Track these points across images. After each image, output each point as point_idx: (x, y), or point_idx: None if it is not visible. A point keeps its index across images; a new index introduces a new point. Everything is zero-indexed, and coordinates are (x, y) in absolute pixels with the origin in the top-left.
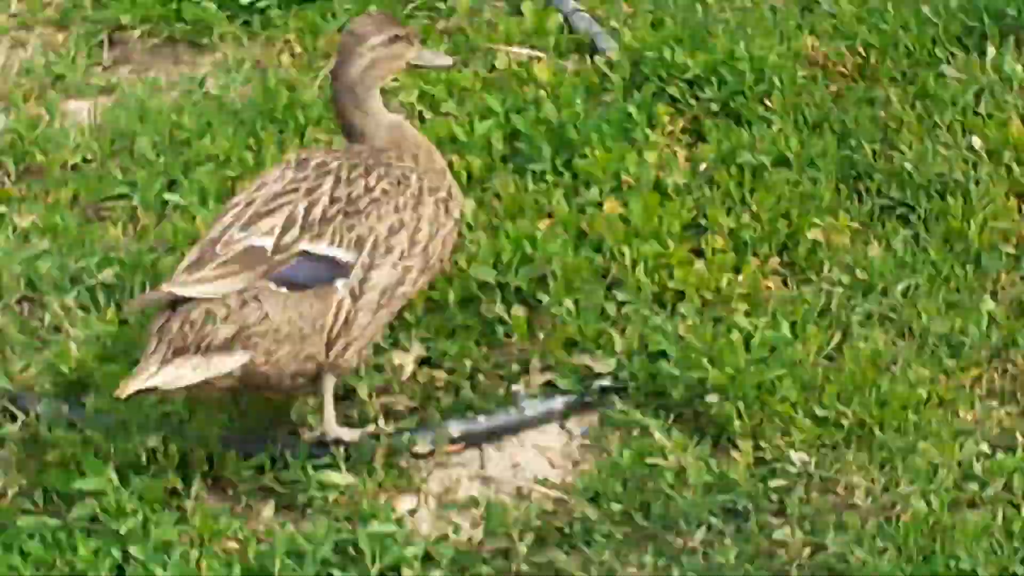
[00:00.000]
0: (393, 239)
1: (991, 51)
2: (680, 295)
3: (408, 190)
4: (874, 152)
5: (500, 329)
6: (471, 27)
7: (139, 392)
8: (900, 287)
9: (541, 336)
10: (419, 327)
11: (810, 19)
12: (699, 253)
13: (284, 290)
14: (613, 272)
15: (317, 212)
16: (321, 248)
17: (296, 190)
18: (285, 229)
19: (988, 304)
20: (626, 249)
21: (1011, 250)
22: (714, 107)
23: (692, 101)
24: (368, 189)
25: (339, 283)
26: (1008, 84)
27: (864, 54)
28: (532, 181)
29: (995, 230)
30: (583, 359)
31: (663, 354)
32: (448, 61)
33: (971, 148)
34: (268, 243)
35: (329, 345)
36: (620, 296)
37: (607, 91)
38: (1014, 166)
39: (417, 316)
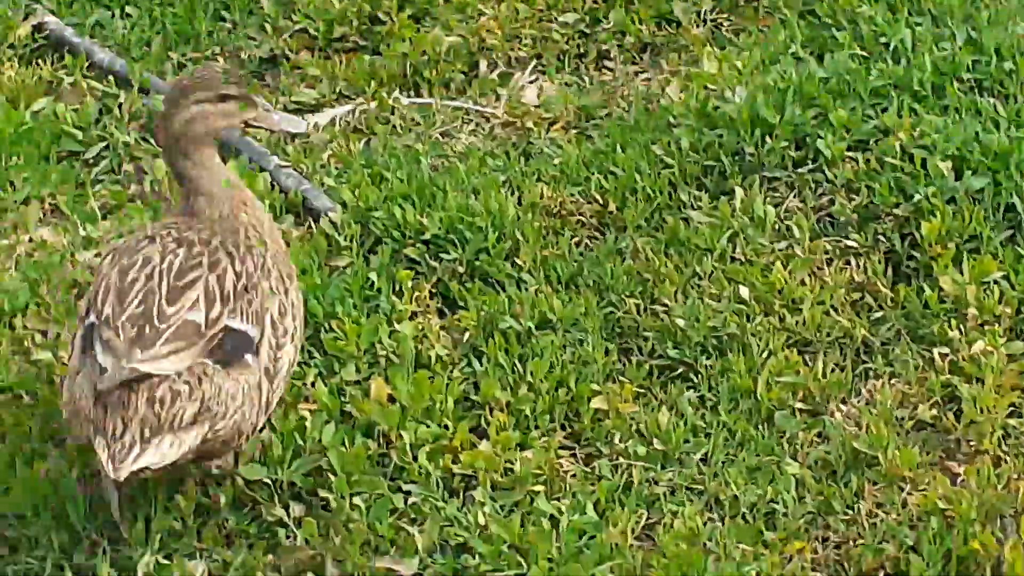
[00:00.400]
0: (285, 321)
1: (739, 192)
2: (469, 479)
3: (272, 274)
4: (638, 308)
5: (282, 532)
6: (174, 193)
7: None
8: (698, 455)
9: (334, 538)
10: (189, 535)
11: (534, 165)
12: (480, 431)
13: (218, 367)
14: (393, 460)
15: (228, 287)
16: (237, 323)
17: (200, 264)
18: (209, 303)
19: (793, 467)
20: (403, 433)
21: (802, 405)
22: (459, 268)
23: (434, 263)
24: (256, 266)
25: (249, 358)
26: (761, 227)
27: (602, 200)
28: None
29: (783, 386)
30: (383, 562)
31: (467, 548)
32: (301, 127)
33: (739, 298)
34: (199, 317)
35: (259, 416)
36: (406, 487)
37: (340, 255)
38: (786, 315)
39: (186, 525)
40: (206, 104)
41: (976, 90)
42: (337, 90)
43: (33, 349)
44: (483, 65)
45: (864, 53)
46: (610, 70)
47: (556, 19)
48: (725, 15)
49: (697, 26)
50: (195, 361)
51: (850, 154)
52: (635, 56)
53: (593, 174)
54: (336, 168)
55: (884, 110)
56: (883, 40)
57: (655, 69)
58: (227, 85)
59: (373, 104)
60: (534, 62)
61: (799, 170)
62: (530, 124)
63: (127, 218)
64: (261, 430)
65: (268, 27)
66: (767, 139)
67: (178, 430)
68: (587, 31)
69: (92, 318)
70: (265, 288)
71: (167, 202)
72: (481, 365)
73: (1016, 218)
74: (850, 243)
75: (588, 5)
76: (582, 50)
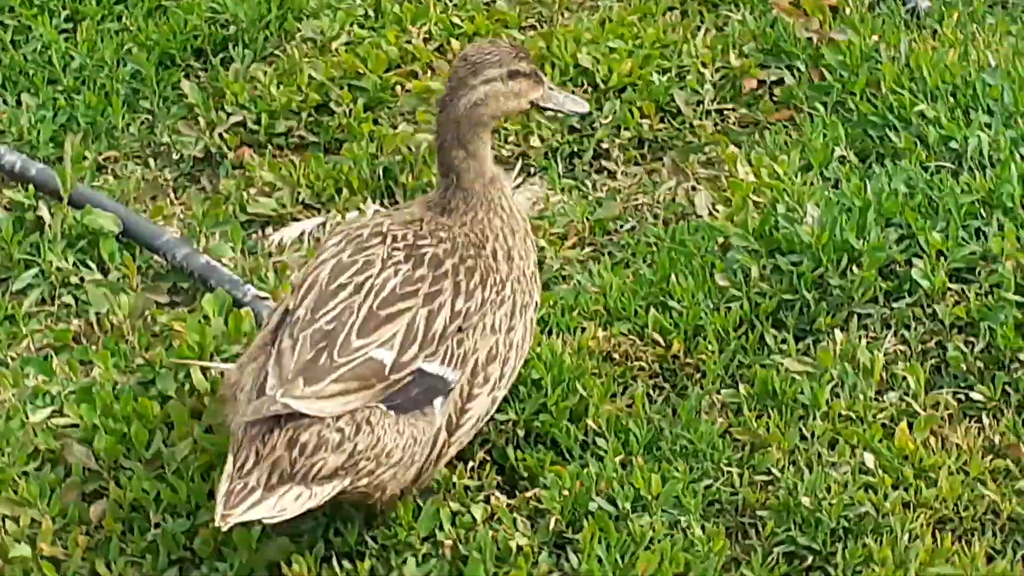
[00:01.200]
0: (490, 367)
1: (837, 335)
2: None
3: (503, 307)
4: (740, 478)
5: None
6: (137, 334)
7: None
8: None
9: None
10: None
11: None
12: None
13: (391, 413)
14: None
15: (437, 327)
16: (434, 367)
17: (415, 292)
18: (405, 343)
19: None
20: None
21: None
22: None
23: None
24: (483, 302)
25: (437, 404)
26: (867, 376)
27: (664, 342)
28: None
29: None
30: None
31: None
32: (584, 107)
33: (864, 467)
34: (388, 358)
35: (423, 470)
36: None
37: None
38: (921, 487)
39: None
40: (497, 82)
41: None
42: (299, 199)
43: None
44: None
45: (928, 160)
46: (610, 172)
47: (542, 112)
48: (730, 106)
49: (700, 118)
50: (365, 404)
51: (953, 286)
52: (637, 155)
53: (648, 309)
54: None
55: (978, 231)
56: (951, 145)
57: (669, 170)
58: (518, 60)
59: (347, 215)
60: (519, 162)
61: (895, 305)
62: (541, 242)
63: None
64: (423, 486)
65: (200, 120)
66: (853, 268)
67: (311, 482)
68: (577, 125)
69: (291, 307)
70: (486, 326)
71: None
72: (574, 558)
73: None
74: (975, 396)
75: (576, 94)
76: (575, 148)
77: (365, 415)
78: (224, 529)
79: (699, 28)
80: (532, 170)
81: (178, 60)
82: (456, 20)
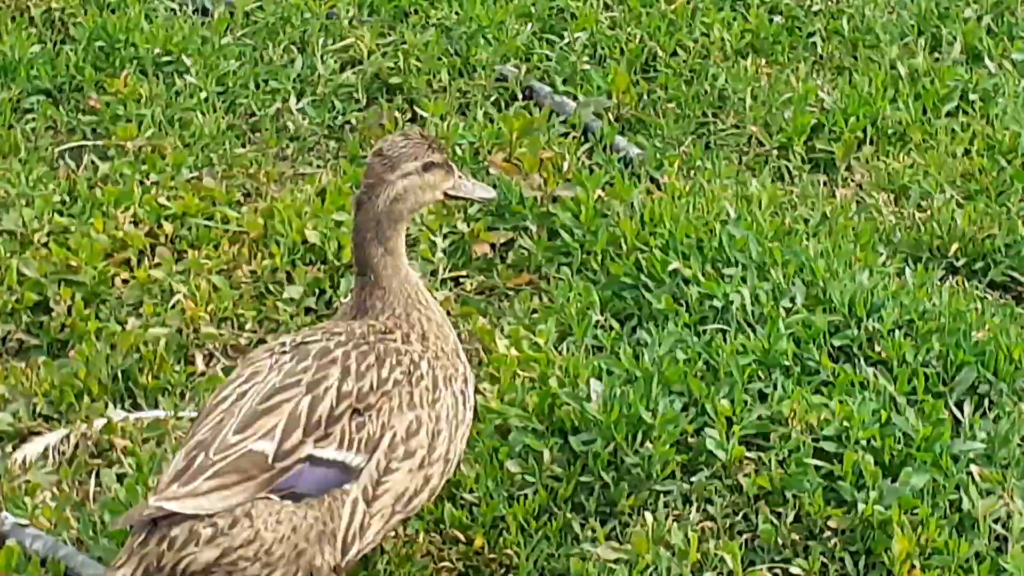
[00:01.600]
0: (411, 442)
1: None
2: None
3: (420, 383)
4: None
5: None
6: None
7: None
8: None
9: None
10: None
11: None
12: None
13: (287, 502)
14: None
15: (323, 409)
16: (329, 452)
17: (298, 383)
18: (287, 431)
19: None
20: None
21: None
22: None
23: None
24: (381, 381)
25: (349, 486)
26: (682, 558)
27: (465, 538)
28: None
29: None
30: None
31: None
32: (492, 194)
33: None
34: (269, 448)
35: (343, 553)
36: None
37: None
38: None
39: None
40: (414, 176)
41: (848, 358)
42: (36, 410)
43: None
44: (199, 360)
45: (691, 321)
46: None
47: (279, 294)
48: (463, 272)
49: (437, 287)
50: (250, 497)
51: (749, 454)
52: None
53: (440, 503)
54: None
55: (761, 394)
56: (714, 303)
57: None
58: (432, 151)
59: (95, 425)
60: None
61: (694, 478)
62: None
63: None
64: (350, 565)
65: None
66: (646, 443)
67: None
68: (315, 306)
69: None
70: (399, 404)
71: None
72: None
73: (970, 519)
74: (794, 571)
75: (312, 275)
76: None
77: (246, 508)
78: None
79: None
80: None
81: None
82: (163, 200)
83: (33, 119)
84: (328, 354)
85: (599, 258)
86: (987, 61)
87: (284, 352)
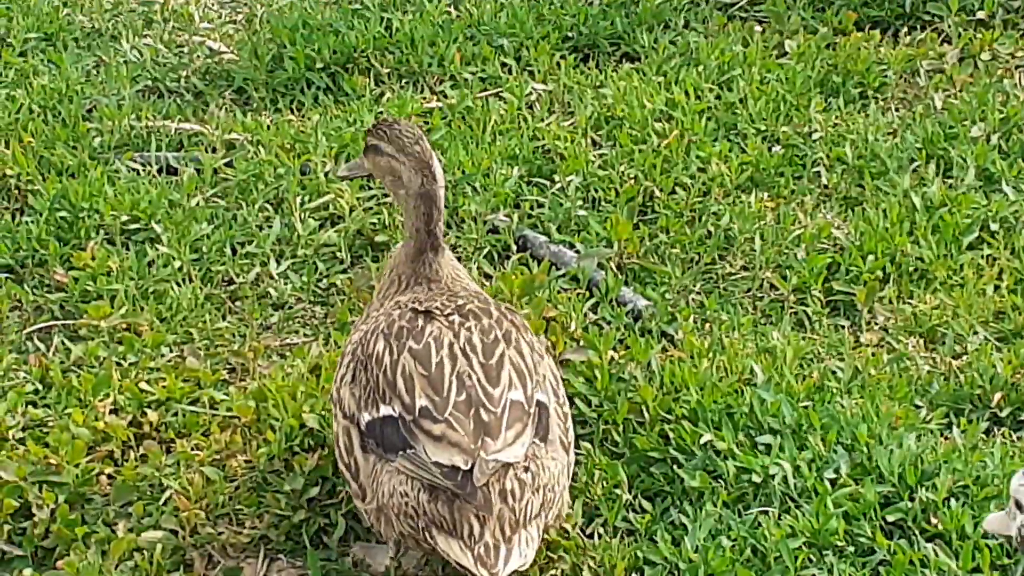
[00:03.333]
0: (561, 389)
1: None
2: None
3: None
4: None
5: None
6: None
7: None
8: None
9: None
10: None
11: None
12: None
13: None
14: None
15: (528, 360)
16: (542, 395)
17: (496, 338)
18: (521, 379)
19: None
20: None
21: None
22: None
23: None
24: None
25: (555, 429)
26: None
27: None
28: None
29: None
30: None
31: None
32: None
33: None
34: (521, 397)
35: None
36: None
37: None
38: None
39: None
40: None
41: (903, 533)
42: None
43: None
44: (198, 563)
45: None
46: None
47: (279, 485)
48: None
49: None
50: (530, 442)
51: None
52: None
53: None
54: None
55: None
56: (752, 479)
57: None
58: None
59: None
60: (262, 549)
61: None
62: None
63: None
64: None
65: None
66: None
67: (528, 523)
68: (318, 496)
69: (391, 411)
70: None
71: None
72: None
73: None
74: None
75: (312, 462)
76: (320, 523)
77: (533, 451)
78: None
79: None
80: (275, 551)
81: None
82: (144, 386)
83: None
84: (489, 312)
85: (620, 428)
86: (1004, 186)
87: (445, 317)
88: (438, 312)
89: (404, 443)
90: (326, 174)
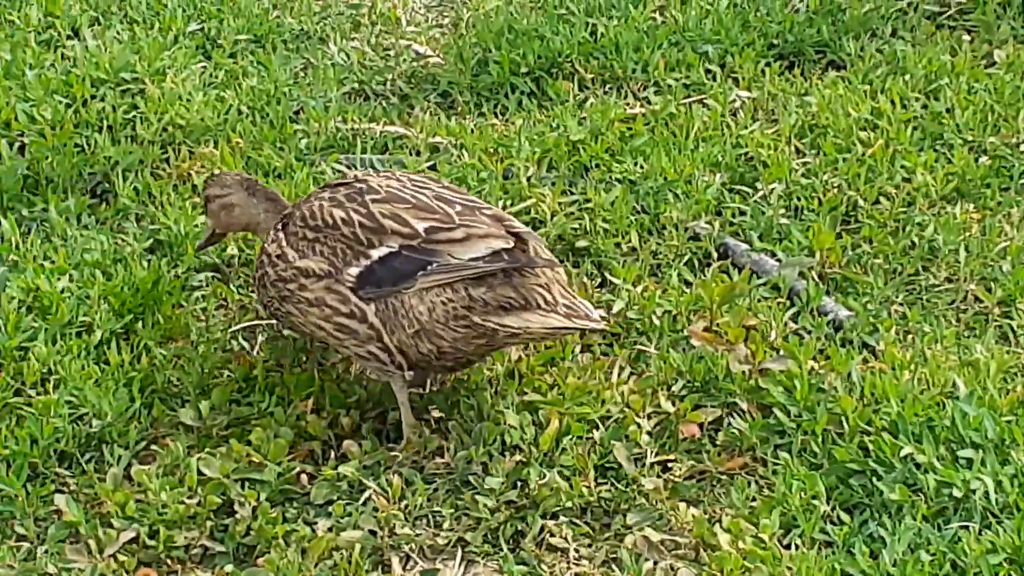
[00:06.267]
0: None
1: None
2: None
3: None
4: None
5: None
6: None
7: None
8: None
9: None
10: None
11: None
12: None
13: None
14: None
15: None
16: None
17: (419, 178)
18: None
19: None
20: None
21: None
22: None
23: None
24: None
25: None
26: None
27: None
28: None
29: None
30: None
31: None
32: None
33: None
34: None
35: None
36: None
37: None
38: None
39: None
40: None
41: None
42: None
43: None
44: (396, 564)
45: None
46: (562, 551)
47: (478, 486)
48: (671, 456)
49: (644, 476)
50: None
51: None
52: (586, 527)
53: None
54: None
55: None
56: (953, 493)
57: (631, 546)
58: None
59: None
60: (458, 551)
61: None
62: None
63: None
64: None
65: (88, 542)
66: None
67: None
68: (516, 499)
69: (388, 248)
70: None
71: None
72: None
73: None
74: None
75: (510, 463)
76: (517, 526)
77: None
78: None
79: (613, 368)
80: (473, 553)
81: (42, 469)
82: (345, 386)
83: (202, 298)
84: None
85: (819, 439)
86: None
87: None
88: (366, 178)
89: (420, 264)
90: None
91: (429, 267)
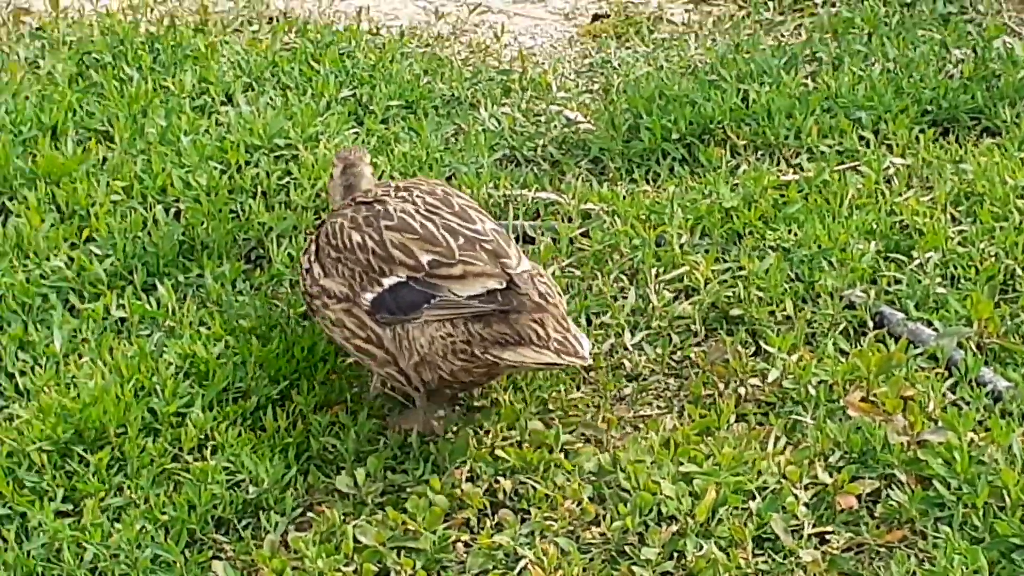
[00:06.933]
0: None
1: None
2: None
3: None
4: None
5: None
6: None
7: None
8: None
9: None
10: None
11: None
12: None
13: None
14: None
15: (474, 203)
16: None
17: (435, 201)
18: (484, 214)
19: None
20: None
21: None
22: None
23: None
24: None
25: None
26: None
27: None
28: None
29: None
30: None
31: None
32: None
33: None
34: (495, 225)
35: None
36: None
37: None
38: None
39: None
40: None
41: None
42: None
43: None
44: None
45: None
46: None
47: (635, 556)
48: (829, 528)
49: (802, 548)
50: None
51: None
52: None
53: None
54: None
55: None
56: None
57: None
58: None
59: None
60: None
61: None
62: None
63: None
64: None
65: None
66: None
67: (568, 317)
68: (672, 570)
69: (396, 279)
70: None
71: None
72: None
73: None
74: None
75: (666, 533)
76: None
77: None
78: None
79: (769, 438)
80: None
81: (200, 535)
82: (499, 453)
83: (355, 364)
84: (415, 183)
85: (980, 513)
86: None
87: (393, 197)
88: (385, 196)
89: (424, 298)
90: (681, 245)
91: (432, 300)
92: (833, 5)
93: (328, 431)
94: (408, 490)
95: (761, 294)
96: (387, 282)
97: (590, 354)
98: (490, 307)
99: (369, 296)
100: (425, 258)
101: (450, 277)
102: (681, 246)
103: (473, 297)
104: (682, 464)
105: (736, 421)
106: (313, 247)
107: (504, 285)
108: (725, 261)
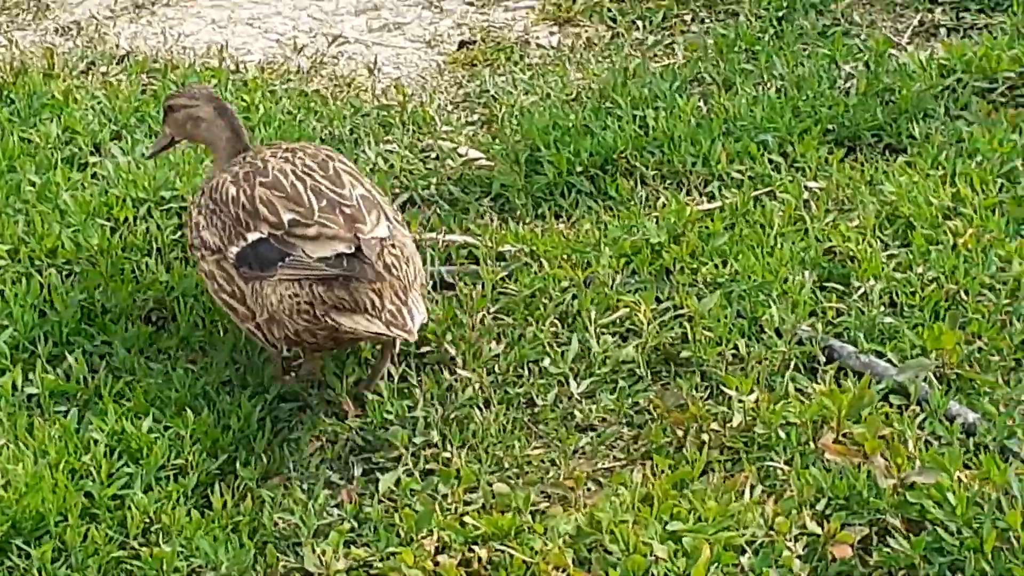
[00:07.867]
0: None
1: None
2: None
3: (341, 158)
4: None
5: None
6: None
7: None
8: None
9: None
10: None
11: None
12: None
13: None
14: None
15: (352, 169)
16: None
17: (314, 164)
18: (359, 180)
19: None
20: None
21: None
22: None
23: None
24: None
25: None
26: None
27: None
28: None
29: None
30: None
31: None
32: None
33: None
34: (364, 192)
35: None
36: None
37: None
38: None
39: None
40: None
41: None
42: None
43: None
44: None
45: None
46: None
47: None
48: None
49: None
50: (387, 224)
51: None
52: None
53: None
54: None
55: None
56: None
57: None
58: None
59: None
60: None
61: None
62: None
63: None
64: None
65: None
66: None
67: (411, 289)
68: None
69: (259, 234)
70: None
71: None
72: None
73: None
74: None
75: None
76: None
77: (391, 231)
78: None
79: (745, 487)
80: None
81: None
82: (468, 519)
83: (289, 428)
84: (303, 146)
85: (990, 558)
86: None
87: (278, 157)
88: (271, 155)
89: (280, 255)
90: (614, 286)
91: (287, 259)
92: (702, 22)
93: (278, 505)
94: (376, 565)
95: (709, 334)
96: (251, 237)
97: (419, 329)
98: (334, 271)
99: (235, 250)
100: (287, 216)
101: (305, 237)
102: (614, 286)
103: (322, 259)
104: (667, 522)
105: (702, 473)
106: (201, 199)
107: (352, 250)
108: (661, 301)
